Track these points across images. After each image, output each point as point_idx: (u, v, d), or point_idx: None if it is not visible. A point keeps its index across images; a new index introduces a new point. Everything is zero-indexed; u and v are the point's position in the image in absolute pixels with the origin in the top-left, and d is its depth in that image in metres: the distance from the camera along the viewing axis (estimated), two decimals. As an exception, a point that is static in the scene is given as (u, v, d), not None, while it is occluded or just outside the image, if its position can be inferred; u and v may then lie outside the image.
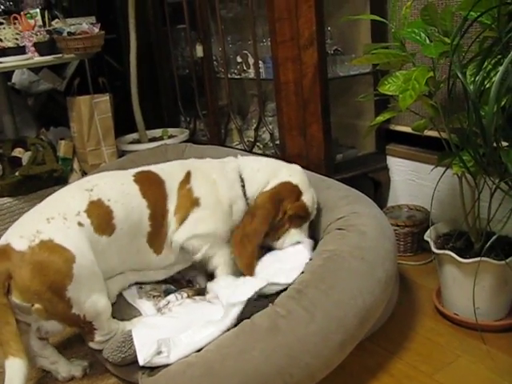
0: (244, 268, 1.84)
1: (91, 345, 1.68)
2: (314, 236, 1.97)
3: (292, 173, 1.97)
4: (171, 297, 1.87)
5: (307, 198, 1.92)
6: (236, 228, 1.91)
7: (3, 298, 1.53)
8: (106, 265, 1.69)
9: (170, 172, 1.94)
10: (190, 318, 1.68)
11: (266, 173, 1.96)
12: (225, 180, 1.94)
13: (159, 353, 1.52)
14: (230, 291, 1.68)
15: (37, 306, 1.54)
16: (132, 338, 1.57)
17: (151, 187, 1.86)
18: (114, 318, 1.72)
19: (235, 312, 1.58)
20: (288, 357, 1.45)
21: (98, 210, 1.71)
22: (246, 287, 1.67)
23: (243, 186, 1.95)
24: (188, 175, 1.92)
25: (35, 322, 1.63)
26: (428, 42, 1.59)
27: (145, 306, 1.84)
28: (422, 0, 2.15)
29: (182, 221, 1.85)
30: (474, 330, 1.78)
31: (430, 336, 1.83)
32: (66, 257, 1.55)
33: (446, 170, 1.68)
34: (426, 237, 1.92)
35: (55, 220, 1.62)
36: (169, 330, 1.62)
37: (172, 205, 1.86)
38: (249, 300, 1.60)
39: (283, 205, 1.88)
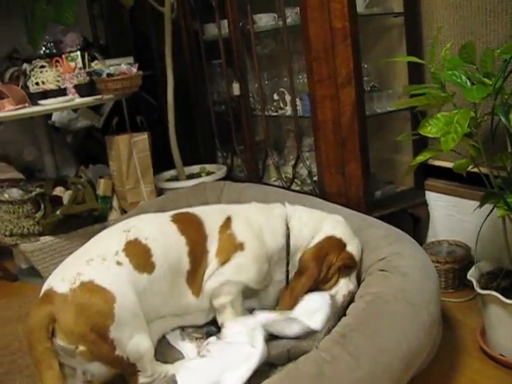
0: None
1: None
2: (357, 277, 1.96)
3: (335, 225, 1.96)
4: (212, 339, 1.87)
5: (352, 248, 1.92)
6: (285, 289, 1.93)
7: (47, 342, 1.56)
8: (147, 305, 1.70)
9: (209, 214, 1.96)
10: (228, 355, 1.67)
11: (312, 227, 1.96)
12: (271, 226, 1.94)
13: None
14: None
15: (81, 348, 1.57)
16: None
17: (190, 226, 1.88)
18: (157, 360, 1.72)
19: (259, 334, 1.63)
20: None
21: (136, 248, 1.74)
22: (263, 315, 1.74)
23: (288, 236, 1.94)
24: (228, 220, 1.92)
25: (80, 365, 1.64)
26: (469, 84, 1.59)
27: (187, 348, 1.84)
28: (461, 41, 2.16)
29: (223, 262, 1.85)
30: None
31: (475, 377, 1.80)
32: (107, 297, 1.58)
33: (491, 211, 1.67)
34: (469, 276, 1.89)
35: (94, 261, 1.66)
36: (212, 371, 1.61)
37: (213, 246, 1.87)
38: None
39: (328, 259, 1.88)
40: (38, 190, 2.98)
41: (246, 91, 3.07)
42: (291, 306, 1.83)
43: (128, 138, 3.08)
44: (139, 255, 1.73)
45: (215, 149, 3.70)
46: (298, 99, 2.70)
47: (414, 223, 2.62)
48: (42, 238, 2.93)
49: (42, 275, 2.97)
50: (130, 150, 3.07)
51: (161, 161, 3.44)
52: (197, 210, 1.99)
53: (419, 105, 1.75)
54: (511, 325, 1.74)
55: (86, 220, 3.01)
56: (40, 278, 2.98)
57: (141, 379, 1.66)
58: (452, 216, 2.49)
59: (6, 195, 2.90)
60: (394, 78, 2.55)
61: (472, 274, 1.90)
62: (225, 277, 1.84)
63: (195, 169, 3.54)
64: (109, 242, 1.77)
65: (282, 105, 2.86)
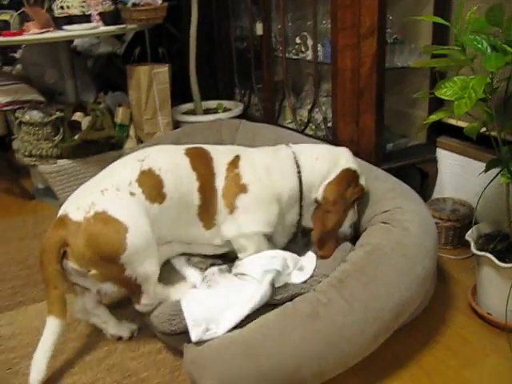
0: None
1: (137, 307, 1.79)
2: (358, 225, 2.03)
3: (349, 158, 2.00)
4: (214, 269, 1.96)
5: (362, 180, 1.98)
6: (315, 226, 1.94)
7: (56, 263, 1.67)
8: (156, 232, 1.76)
9: (220, 152, 1.98)
10: (233, 293, 1.76)
11: (326, 161, 1.96)
12: (280, 166, 1.95)
13: (208, 329, 1.63)
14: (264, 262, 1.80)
15: (93, 271, 1.67)
16: (181, 312, 1.68)
17: (201, 162, 1.91)
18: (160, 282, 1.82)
19: (268, 279, 1.72)
20: (325, 343, 1.54)
21: (149, 178, 1.79)
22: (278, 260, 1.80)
23: (299, 173, 1.94)
24: (237, 158, 1.95)
25: (93, 285, 1.75)
26: (489, 50, 1.60)
27: (192, 274, 1.93)
28: (489, 5, 2.14)
29: (230, 207, 1.89)
30: (504, 331, 1.82)
31: (461, 332, 1.88)
32: (119, 228, 1.65)
33: (494, 177, 1.71)
34: (468, 237, 1.95)
35: (108, 192, 1.72)
36: (215, 306, 1.71)
37: (220, 184, 1.90)
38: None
39: (348, 193, 1.92)
40: (58, 113, 3.03)
41: (268, 31, 3.06)
42: (331, 251, 1.89)
43: (149, 69, 3.10)
44: (152, 186, 1.78)
45: (233, 85, 3.73)
46: (319, 44, 2.70)
47: (422, 178, 2.67)
48: (59, 160, 3.00)
49: (57, 196, 3.07)
50: (150, 80, 3.11)
51: (179, 93, 3.47)
52: (209, 147, 2.02)
53: (438, 66, 1.77)
54: (501, 286, 1.80)
55: (103, 146, 3.07)
56: (55, 198, 3.09)
57: (143, 300, 1.77)
58: (459, 175, 2.53)
59: (27, 116, 2.96)
60: (418, 32, 2.53)
61: (470, 235, 1.96)
62: (240, 228, 1.89)
63: (212, 104, 3.57)
64: (123, 171, 1.81)
65: (303, 48, 2.87)
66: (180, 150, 1.96)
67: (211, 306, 1.70)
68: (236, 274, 1.89)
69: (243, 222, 1.89)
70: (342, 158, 1.98)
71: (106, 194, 1.72)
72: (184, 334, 1.66)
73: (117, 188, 1.73)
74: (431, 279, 1.84)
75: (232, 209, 1.88)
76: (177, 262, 2.00)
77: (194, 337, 1.62)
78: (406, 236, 1.78)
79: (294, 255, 1.88)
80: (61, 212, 1.73)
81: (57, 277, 1.68)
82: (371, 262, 1.71)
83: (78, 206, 1.69)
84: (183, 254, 2.02)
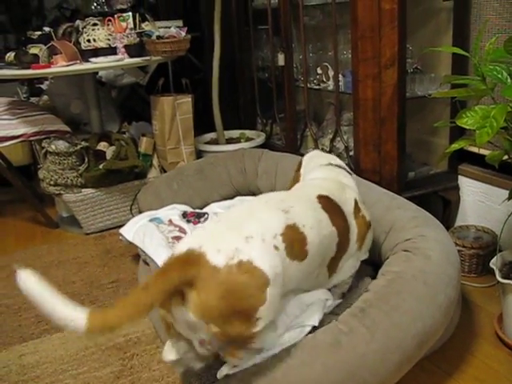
0: None
1: (231, 360, 1.56)
2: (381, 254, 2.03)
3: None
4: None
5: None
6: None
7: (165, 299, 1.40)
8: (286, 286, 1.61)
9: (341, 199, 1.87)
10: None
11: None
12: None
13: None
14: None
15: (213, 328, 1.41)
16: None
17: (336, 215, 1.79)
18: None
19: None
20: (347, 372, 1.52)
21: (294, 234, 1.61)
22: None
23: None
24: (356, 204, 1.88)
25: (198, 337, 1.49)
26: (509, 81, 1.62)
27: None
28: (509, 35, 2.17)
29: (359, 245, 1.87)
30: (533, 361, 1.80)
31: (488, 362, 1.86)
32: (263, 281, 1.43)
33: (517, 205, 1.71)
34: (492, 264, 1.94)
35: (254, 240, 1.50)
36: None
37: (354, 233, 1.84)
38: None
39: None
40: (83, 143, 3.10)
41: (290, 62, 3.10)
42: None
43: (172, 100, 3.16)
44: (295, 242, 1.60)
45: (255, 115, 3.77)
46: (340, 74, 2.74)
47: (445, 206, 2.66)
48: (84, 189, 3.06)
49: (81, 225, 3.12)
50: (174, 111, 3.16)
51: (202, 123, 3.53)
52: (329, 193, 1.86)
53: (459, 96, 1.78)
54: (527, 315, 1.79)
55: (127, 176, 3.13)
56: (79, 227, 3.14)
57: (239, 355, 1.55)
58: (482, 202, 2.53)
59: (53, 146, 3.02)
60: (437, 61, 2.56)
61: (495, 262, 1.95)
62: (360, 258, 1.91)
63: (235, 133, 3.62)
64: (268, 221, 1.60)
65: (324, 79, 2.90)
66: (314, 201, 1.80)
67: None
68: None
69: (364, 251, 1.91)
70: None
71: (251, 242, 1.49)
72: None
73: (262, 238, 1.51)
74: (455, 308, 1.82)
75: (360, 245, 1.88)
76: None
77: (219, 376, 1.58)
78: (427, 264, 1.77)
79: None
80: (194, 245, 1.45)
81: (149, 309, 1.39)
82: (393, 290, 1.70)
83: (219, 248, 1.44)
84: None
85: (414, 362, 1.67)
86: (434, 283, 1.72)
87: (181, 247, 1.46)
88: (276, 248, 1.53)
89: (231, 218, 1.64)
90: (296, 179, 2.08)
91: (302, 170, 2.09)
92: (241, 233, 1.51)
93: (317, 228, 1.67)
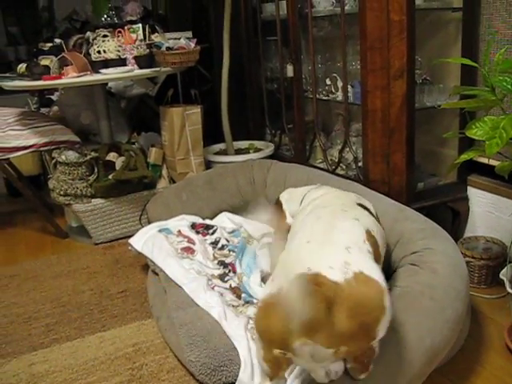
0: None
1: (362, 376, 1.49)
2: (389, 266, 2.03)
3: None
4: None
5: None
6: None
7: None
8: None
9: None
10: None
11: None
12: None
13: None
14: None
15: (342, 349, 1.29)
16: (225, 366, 1.67)
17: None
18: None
19: None
20: None
21: (371, 239, 1.60)
22: None
23: None
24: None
25: (323, 365, 1.41)
26: (519, 91, 1.62)
27: None
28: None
29: None
30: (543, 373, 1.78)
31: (498, 374, 1.84)
32: (380, 290, 1.33)
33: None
34: (502, 275, 1.94)
35: (353, 250, 1.43)
36: None
37: None
38: None
39: None
40: (93, 154, 3.12)
41: (299, 73, 3.12)
42: None
43: (182, 111, 3.18)
44: (374, 246, 1.58)
45: (264, 126, 3.78)
46: (349, 85, 2.74)
47: (454, 217, 2.66)
48: (93, 200, 3.07)
49: (90, 235, 3.13)
50: (183, 122, 3.18)
51: (211, 133, 3.54)
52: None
53: (468, 107, 1.79)
54: (538, 326, 1.78)
55: (136, 186, 3.14)
56: (89, 237, 3.15)
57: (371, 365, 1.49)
58: (491, 213, 2.52)
59: (63, 157, 3.04)
60: (446, 72, 2.56)
61: (505, 273, 1.95)
62: None
63: (244, 144, 3.63)
64: (352, 229, 1.58)
65: (333, 89, 2.91)
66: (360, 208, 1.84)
67: None
68: None
69: None
70: None
71: (352, 252, 1.42)
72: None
73: (358, 247, 1.47)
74: (464, 321, 1.80)
75: None
76: None
77: None
78: (434, 278, 1.76)
79: None
80: (301, 269, 1.32)
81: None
82: (400, 306, 1.67)
83: (330, 264, 1.33)
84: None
85: (423, 378, 1.66)
86: (440, 298, 1.71)
87: (295, 272, 1.30)
88: (369, 252, 1.49)
89: (316, 233, 1.55)
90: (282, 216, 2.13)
91: (285, 206, 2.14)
92: (338, 245, 1.43)
93: (378, 231, 1.71)
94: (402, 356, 1.57)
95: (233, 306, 1.97)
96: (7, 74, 3.30)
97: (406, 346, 1.59)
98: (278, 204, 2.22)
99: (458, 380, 1.82)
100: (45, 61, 3.03)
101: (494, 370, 1.87)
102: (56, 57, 3.02)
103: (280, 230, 2.05)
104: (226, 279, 2.18)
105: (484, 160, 2.49)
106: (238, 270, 2.26)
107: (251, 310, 1.92)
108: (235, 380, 1.66)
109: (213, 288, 2.06)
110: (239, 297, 2.06)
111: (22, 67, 3.12)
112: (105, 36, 3.09)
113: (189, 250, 2.41)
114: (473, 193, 2.61)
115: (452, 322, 1.69)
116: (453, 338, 1.72)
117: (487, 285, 2.41)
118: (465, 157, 1.89)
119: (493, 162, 2.34)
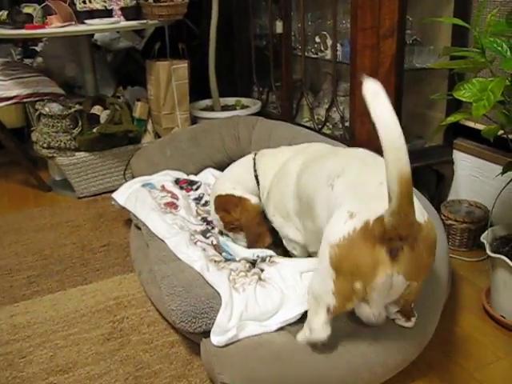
0: None
1: (410, 324, 1.63)
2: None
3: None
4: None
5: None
6: None
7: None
8: None
9: None
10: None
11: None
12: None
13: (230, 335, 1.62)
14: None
15: (414, 283, 1.41)
16: (204, 314, 1.67)
17: None
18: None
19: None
20: (348, 367, 1.55)
21: None
22: None
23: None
24: None
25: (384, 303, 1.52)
26: (509, 53, 1.60)
27: None
28: (509, 8, 2.14)
29: None
30: (518, 334, 1.82)
31: (474, 334, 1.88)
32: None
33: (509, 182, 1.71)
34: (483, 238, 1.95)
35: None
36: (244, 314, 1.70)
37: None
38: None
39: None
40: (77, 106, 3.07)
41: (288, 30, 3.07)
42: None
43: (168, 65, 3.13)
44: None
45: (252, 83, 3.74)
46: (338, 44, 2.70)
47: (438, 180, 2.67)
48: (77, 153, 3.05)
49: (74, 188, 3.11)
50: (170, 76, 3.13)
51: (197, 89, 3.50)
52: None
53: (457, 68, 1.77)
54: (516, 289, 1.81)
55: (121, 140, 3.11)
56: (72, 190, 3.13)
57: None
58: (476, 177, 2.53)
59: (47, 109, 2.99)
60: (437, 34, 2.53)
61: (485, 237, 1.96)
62: None
63: (231, 101, 3.60)
64: (374, 170, 1.57)
65: (322, 48, 2.87)
66: None
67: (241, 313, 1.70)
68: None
69: None
70: None
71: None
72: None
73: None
74: (445, 280, 1.83)
75: None
76: None
77: (215, 341, 1.61)
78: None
79: None
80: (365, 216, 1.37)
81: None
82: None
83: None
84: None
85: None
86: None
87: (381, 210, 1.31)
88: None
89: (365, 172, 1.59)
90: None
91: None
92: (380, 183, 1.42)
93: None
94: (394, 340, 1.61)
95: (215, 261, 1.97)
96: (-14, 21, 3.21)
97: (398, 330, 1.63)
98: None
99: (436, 339, 1.84)
100: (27, 8, 2.95)
101: (470, 330, 1.90)
102: (39, 5, 2.93)
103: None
104: (207, 235, 2.18)
105: (470, 124, 2.49)
106: None
107: (234, 265, 1.92)
108: None
109: (195, 243, 2.06)
110: (220, 253, 2.07)
111: (3, 14, 3.03)
112: (89, -14, 3.01)
113: (172, 205, 2.39)
114: (458, 156, 2.61)
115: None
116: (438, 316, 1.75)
117: (468, 248, 2.44)
118: (451, 119, 1.87)
119: (479, 126, 2.35)
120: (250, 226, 2.11)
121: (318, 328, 1.50)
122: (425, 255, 1.36)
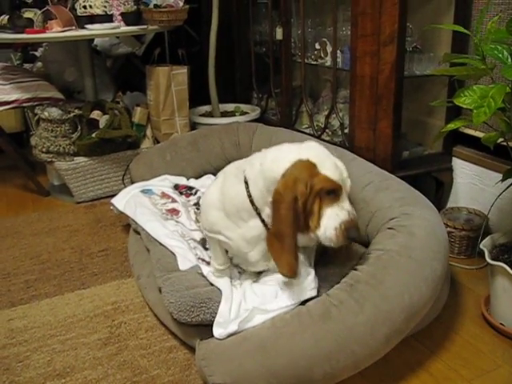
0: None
1: None
2: (368, 234, 2.03)
3: (299, 150, 1.73)
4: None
5: (326, 169, 1.64)
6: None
7: None
8: None
9: None
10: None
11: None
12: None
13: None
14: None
15: None
16: (202, 305, 1.69)
17: None
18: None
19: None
20: (336, 343, 1.54)
21: None
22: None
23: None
24: None
25: None
26: (510, 60, 1.61)
27: None
28: (509, 14, 2.15)
29: None
30: (518, 342, 1.81)
31: (473, 342, 1.87)
32: None
33: (509, 186, 1.71)
34: (482, 246, 1.95)
35: None
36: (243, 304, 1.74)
37: None
38: None
39: (298, 189, 1.59)
40: (77, 111, 3.07)
41: (288, 36, 3.07)
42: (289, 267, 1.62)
43: (168, 70, 3.13)
44: None
45: (251, 89, 3.75)
46: (338, 51, 2.71)
47: (437, 187, 2.67)
48: (76, 158, 3.04)
49: (72, 193, 3.10)
50: (169, 82, 3.13)
51: (197, 95, 3.50)
52: None
53: (458, 75, 1.77)
54: (515, 297, 1.80)
55: (120, 145, 3.11)
56: (71, 195, 3.12)
57: None
58: (475, 185, 2.53)
59: (46, 113, 2.98)
60: (437, 41, 2.54)
61: (485, 244, 1.95)
62: None
63: (230, 107, 3.60)
64: None
65: (322, 54, 2.88)
66: None
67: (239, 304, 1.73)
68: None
69: None
70: (290, 153, 1.71)
71: None
72: (198, 326, 1.70)
73: None
74: (443, 283, 1.82)
75: None
76: None
77: (217, 334, 1.63)
78: (411, 240, 1.77)
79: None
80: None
81: None
82: (379, 266, 1.71)
83: None
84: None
85: (401, 336, 1.68)
86: (418, 257, 1.72)
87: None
88: None
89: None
90: None
91: None
92: None
93: None
94: (381, 309, 1.60)
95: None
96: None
97: (385, 300, 1.62)
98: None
99: (434, 346, 1.85)
100: (28, 13, 2.95)
101: (469, 338, 1.89)
102: (40, 10, 2.93)
103: None
104: (207, 246, 2.17)
105: (470, 131, 2.49)
106: None
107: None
108: (214, 317, 1.68)
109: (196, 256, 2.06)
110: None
111: (3, 19, 3.03)
112: (90, -9, 3.01)
113: (173, 212, 2.39)
114: (457, 164, 2.61)
115: (431, 280, 1.70)
116: (431, 297, 1.73)
117: (467, 255, 2.43)
118: (451, 126, 1.88)
119: (479, 134, 2.36)
120: None
121: None
122: None
